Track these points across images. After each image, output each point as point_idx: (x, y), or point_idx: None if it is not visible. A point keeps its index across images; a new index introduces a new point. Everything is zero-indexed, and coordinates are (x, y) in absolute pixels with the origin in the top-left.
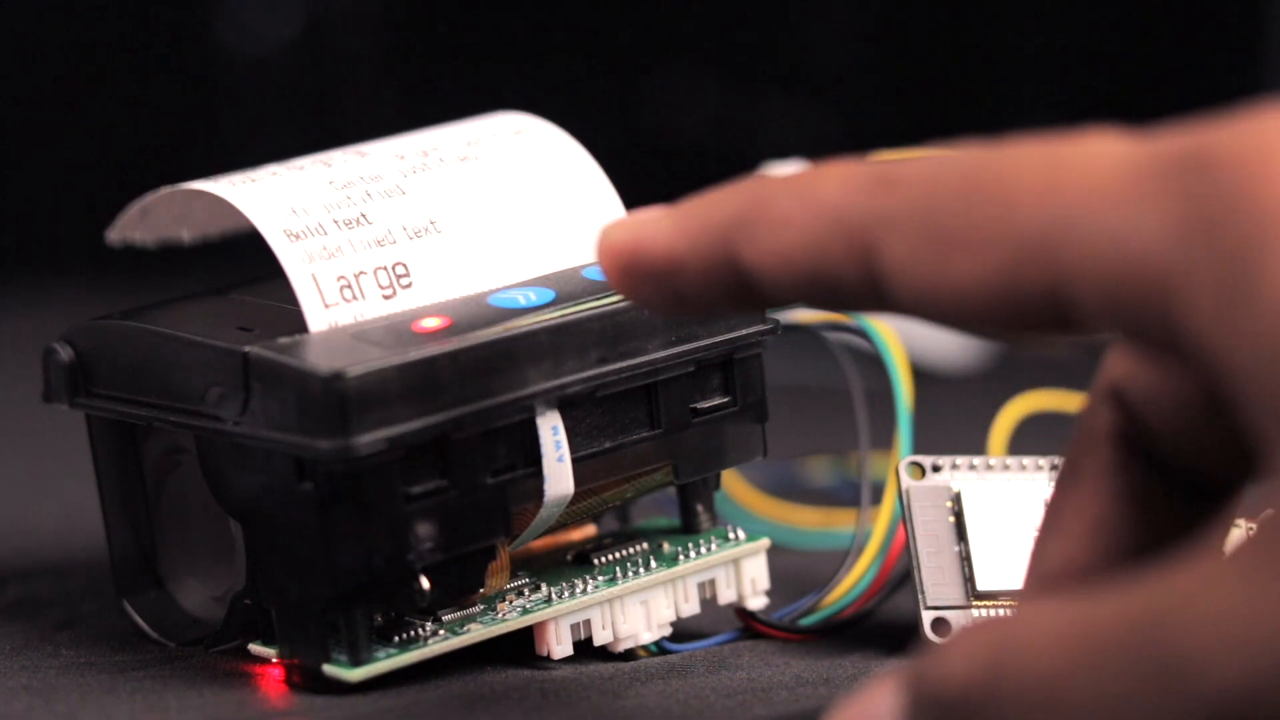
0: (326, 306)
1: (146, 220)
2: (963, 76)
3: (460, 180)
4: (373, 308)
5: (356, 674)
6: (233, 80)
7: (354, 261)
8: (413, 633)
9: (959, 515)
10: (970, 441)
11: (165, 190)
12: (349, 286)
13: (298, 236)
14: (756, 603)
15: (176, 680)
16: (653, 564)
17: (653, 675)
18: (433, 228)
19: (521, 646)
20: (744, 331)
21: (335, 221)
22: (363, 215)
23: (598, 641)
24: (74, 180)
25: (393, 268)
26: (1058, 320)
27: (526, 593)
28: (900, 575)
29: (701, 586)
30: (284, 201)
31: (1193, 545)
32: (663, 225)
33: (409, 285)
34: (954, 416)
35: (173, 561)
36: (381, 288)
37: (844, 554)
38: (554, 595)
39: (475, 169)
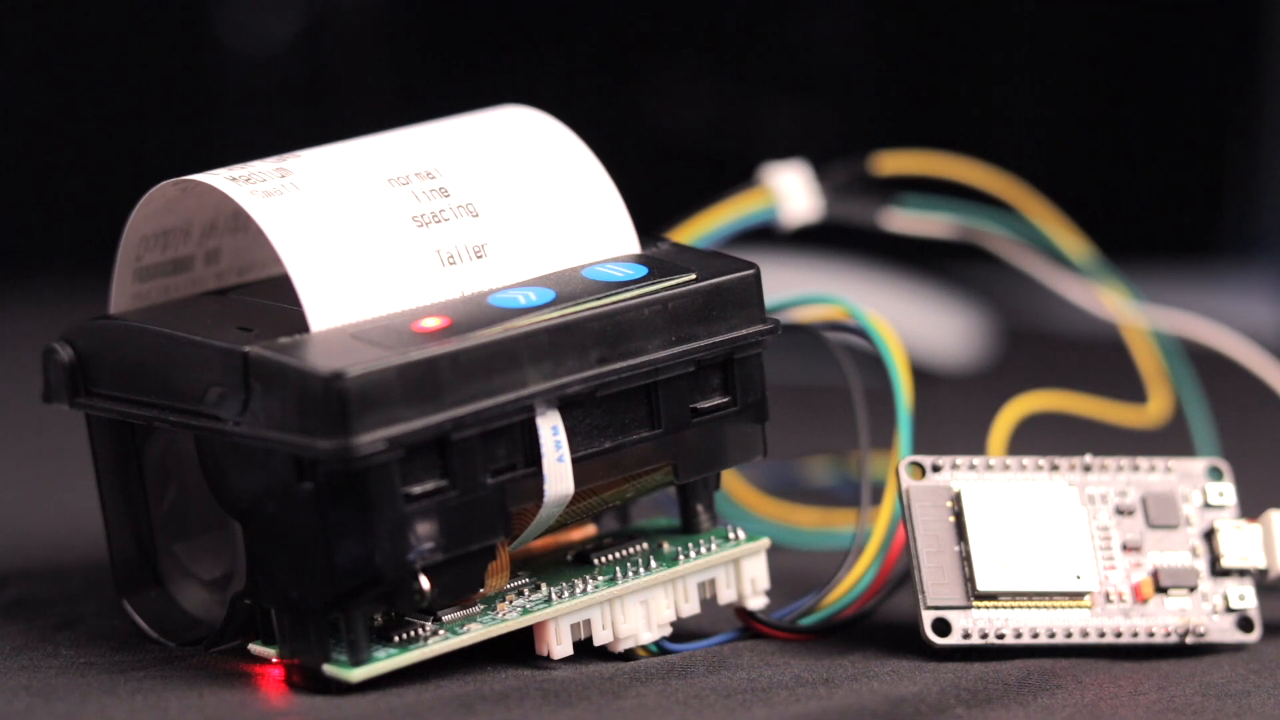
0: (230, 180)
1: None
2: (962, 77)
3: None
4: (262, 168)
5: (356, 674)
6: (233, 80)
7: (242, 168)
8: (413, 633)
9: (959, 515)
10: (970, 441)
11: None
12: (239, 169)
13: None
14: (756, 603)
15: (176, 680)
16: (653, 564)
17: (653, 675)
18: (331, 147)
19: (521, 646)
20: (744, 331)
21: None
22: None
23: (598, 641)
24: (74, 180)
25: (280, 158)
26: None
27: (526, 593)
28: (900, 575)
29: (701, 586)
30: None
31: None
32: None
33: (298, 156)
34: (954, 416)
35: (173, 561)
36: (268, 163)
37: (844, 554)
38: (554, 595)
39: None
